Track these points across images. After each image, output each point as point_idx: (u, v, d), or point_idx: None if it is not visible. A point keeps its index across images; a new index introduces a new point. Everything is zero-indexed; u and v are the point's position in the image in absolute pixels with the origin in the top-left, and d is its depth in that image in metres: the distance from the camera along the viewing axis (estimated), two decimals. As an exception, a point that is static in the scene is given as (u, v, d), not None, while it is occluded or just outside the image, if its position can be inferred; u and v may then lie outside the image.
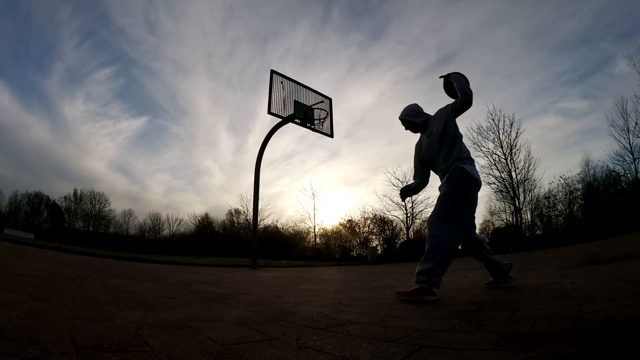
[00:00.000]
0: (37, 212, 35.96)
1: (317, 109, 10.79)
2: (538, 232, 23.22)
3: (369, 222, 28.74)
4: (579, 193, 22.99)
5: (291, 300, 2.46)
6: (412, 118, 2.83)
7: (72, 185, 57.43)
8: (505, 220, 25.02)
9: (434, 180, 2.84)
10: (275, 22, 51.85)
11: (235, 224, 34.59)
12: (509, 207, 22.54)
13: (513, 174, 21.30)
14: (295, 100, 10.34)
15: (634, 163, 19.77)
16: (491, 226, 28.56)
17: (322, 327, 1.50)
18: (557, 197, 23.30)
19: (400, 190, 2.99)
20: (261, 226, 29.34)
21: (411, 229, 26.59)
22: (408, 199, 25.11)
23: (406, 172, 27.40)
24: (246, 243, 23.67)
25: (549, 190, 23.34)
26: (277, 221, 34.08)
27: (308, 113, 10.52)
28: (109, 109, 51.54)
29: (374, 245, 27.40)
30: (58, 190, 54.12)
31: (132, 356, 0.99)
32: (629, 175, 20.60)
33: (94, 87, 51.55)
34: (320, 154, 54.31)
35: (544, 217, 23.27)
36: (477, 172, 2.51)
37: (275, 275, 5.88)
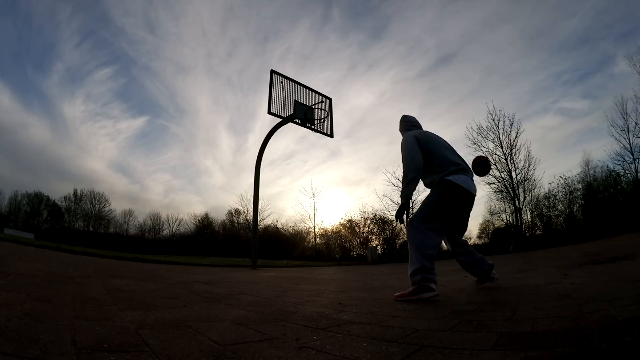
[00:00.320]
0: (37, 212, 35.96)
1: (317, 109, 10.78)
2: (538, 232, 23.21)
3: (369, 222, 28.72)
4: (579, 193, 22.99)
5: (291, 300, 2.46)
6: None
7: (72, 185, 57.37)
8: (505, 220, 25.02)
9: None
10: (275, 22, 51.85)
11: (235, 224, 34.59)
12: (509, 207, 22.53)
13: (513, 174, 21.29)
14: (295, 100, 10.34)
15: (634, 163, 19.77)
16: (491, 226, 28.57)
17: (322, 327, 1.50)
18: (557, 197, 23.30)
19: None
20: (261, 226, 29.33)
21: (411, 229, 26.58)
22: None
23: (406, 172, 27.40)
24: (246, 243, 23.68)
25: (549, 190, 23.34)
26: (277, 221, 34.08)
27: (308, 113, 10.52)
28: (108, 108, 51.54)
29: (374, 245, 27.38)
30: (58, 190, 54.11)
31: (132, 356, 0.99)
32: (629, 175, 20.61)
33: (94, 87, 51.55)
34: (320, 154, 54.30)
35: (544, 217, 23.25)
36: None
37: (275, 275, 5.88)
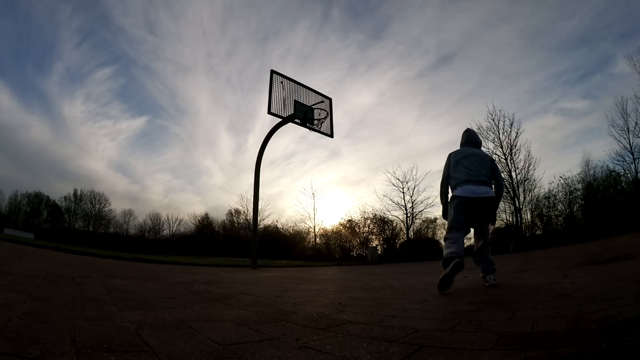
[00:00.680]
0: (37, 212, 35.95)
1: (317, 109, 10.78)
2: (538, 232, 23.19)
3: (369, 222, 28.72)
4: (579, 193, 22.97)
5: (291, 300, 2.46)
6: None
7: (72, 185, 57.29)
8: (505, 220, 24.99)
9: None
10: (275, 22, 51.82)
11: (235, 224, 34.58)
12: (509, 207, 22.49)
13: (513, 174, 21.30)
14: (295, 100, 10.34)
15: (634, 163, 19.76)
16: (491, 226, 28.54)
17: (322, 327, 1.50)
18: (557, 197, 23.28)
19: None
20: (261, 226, 29.32)
21: (411, 229, 26.58)
22: (408, 198, 25.22)
23: (406, 172, 27.46)
24: (246, 243, 23.67)
25: (549, 190, 23.32)
26: (277, 221, 34.04)
27: (308, 113, 10.52)
28: (108, 108, 51.43)
29: (374, 245, 27.37)
30: (58, 190, 54.04)
31: (132, 356, 0.99)
32: (629, 175, 20.59)
33: (94, 87, 51.49)
34: (320, 154, 54.25)
35: (544, 217, 23.24)
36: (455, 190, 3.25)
37: (275, 275, 5.88)
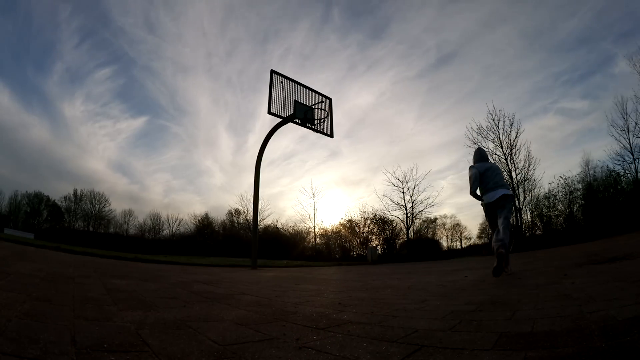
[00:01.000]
0: (37, 212, 35.96)
1: (317, 109, 10.78)
2: (538, 232, 23.19)
3: (369, 222, 28.71)
4: (579, 193, 22.98)
5: (291, 300, 2.46)
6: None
7: (72, 185, 57.46)
8: (505, 220, 24.94)
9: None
10: (275, 22, 51.94)
11: (235, 224, 34.58)
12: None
13: (513, 174, 21.31)
14: (295, 100, 10.33)
15: (634, 163, 19.77)
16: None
17: (322, 327, 1.50)
18: (557, 197, 23.28)
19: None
20: (261, 226, 29.32)
21: (411, 229, 26.58)
22: (408, 198, 25.22)
23: (406, 172, 27.46)
24: (246, 243, 23.66)
25: (549, 190, 23.33)
26: (277, 221, 34.04)
27: (308, 113, 10.51)
28: (108, 108, 51.61)
29: (374, 245, 27.36)
30: (58, 190, 54.12)
31: (132, 356, 0.99)
32: (629, 175, 20.61)
33: (94, 87, 51.62)
34: (320, 154, 54.41)
35: (544, 217, 23.24)
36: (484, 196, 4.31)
37: (275, 275, 5.88)
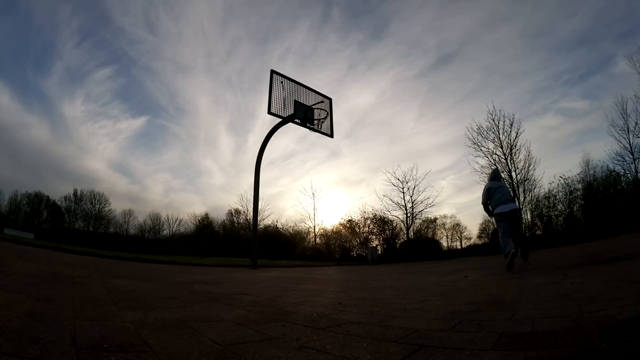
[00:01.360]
0: (37, 212, 35.94)
1: (317, 109, 10.78)
2: (538, 232, 23.17)
3: (369, 222, 28.65)
4: (579, 193, 22.95)
5: (291, 300, 2.46)
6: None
7: (72, 185, 57.27)
8: (505, 220, 24.94)
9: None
10: (275, 22, 51.97)
11: (235, 224, 34.55)
12: (509, 207, 22.48)
13: (513, 174, 21.27)
14: (295, 100, 10.33)
15: (634, 163, 19.74)
16: (491, 226, 28.56)
17: (322, 327, 1.50)
18: (557, 197, 23.25)
19: None
20: (261, 226, 29.29)
21: (411, 229, 26.54)
22: (408, 198, 25.23)
23: (406, 172, 27.45)
24: (246, 243, 23.64)
25: (549, 190, 23.29)
26: (277, 221, 33.95)
27: (308, 113, 10.51)
28: (108, 108, 51.59)
29: (374, 245, 27.32)
30: (58, 190, 54.01)
31: (132, 356, 0.99)
32: (629, 175, 20.58)
33: (94, 87, 51.63)
34: (320, 154, 54.37)
35: (544, 217, 23.22)
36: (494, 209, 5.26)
37: (276, 275, 5.88)
